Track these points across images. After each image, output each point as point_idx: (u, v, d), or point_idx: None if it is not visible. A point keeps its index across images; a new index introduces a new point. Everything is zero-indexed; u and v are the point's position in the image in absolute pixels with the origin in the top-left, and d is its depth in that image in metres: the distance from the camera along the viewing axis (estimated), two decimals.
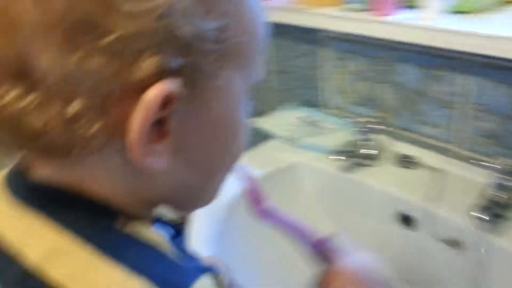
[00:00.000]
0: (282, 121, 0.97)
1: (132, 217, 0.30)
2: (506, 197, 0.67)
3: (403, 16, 0.75)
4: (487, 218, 0.65)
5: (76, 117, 0.25)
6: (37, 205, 0.29)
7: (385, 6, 0.75)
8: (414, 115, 0.84)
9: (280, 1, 0.93)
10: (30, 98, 0.24)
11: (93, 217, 0.29)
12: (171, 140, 0.28)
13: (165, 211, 0.40)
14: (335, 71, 0.93)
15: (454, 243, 0.70)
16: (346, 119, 0.90)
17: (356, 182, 0.81)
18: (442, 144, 0.81)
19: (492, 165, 0.68)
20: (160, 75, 0.25)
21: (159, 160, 0.28)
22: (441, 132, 0.81)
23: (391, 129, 0.86)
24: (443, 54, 0.74)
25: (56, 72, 0.24)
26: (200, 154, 0.32)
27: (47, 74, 0.24)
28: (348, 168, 0.82)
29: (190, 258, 0.32)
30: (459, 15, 0.74)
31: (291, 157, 0.88)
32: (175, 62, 0.25)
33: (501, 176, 0.67)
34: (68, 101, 0.24)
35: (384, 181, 0.78)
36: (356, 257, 0.47)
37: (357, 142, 0.84)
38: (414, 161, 0.81)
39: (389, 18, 0.75)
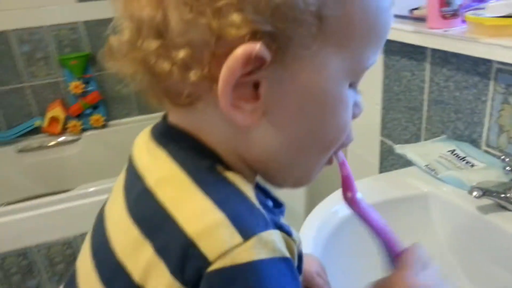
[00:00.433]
0: (430, 150, 0.91)
1: (233, 169, 0.35)
2: None
3: None
4: None
5: (184, 64, 0.31)
6: (162, 142, 0.37)
7: None
8: None
9: (455, 30, 0.89)
10: (160, 46, 0.31)
11: (200, 158, 0.35)
12: (263, 102, 0.33)
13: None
14: (505, 108, 0.84)
15: None
16: (502, 158, 0.80)
17: (494, 226, 0.72)
18: None
19: None
20: (252, 38, 0.29)
21: (247, 117, 0.33)
22: None
23: None
24: None
25: (177, 27, 0.31)
26: (289, 122, 0.34)
27: (173, 29, 0.31)
28: (488, 210, 0.73)
29: (273, 213, 0.34)
30: None
31: (426, 187, 0.83)
32: (265, 27, 0.29)
33: None
34: (177, 49, 0.31)
35: None
36: (424, 273, 0.44)
37: (508, 184, 0.74)
38: None
39: None
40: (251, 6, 0.29)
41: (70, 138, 2.06)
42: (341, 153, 0.45)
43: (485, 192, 0.74)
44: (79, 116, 2.06)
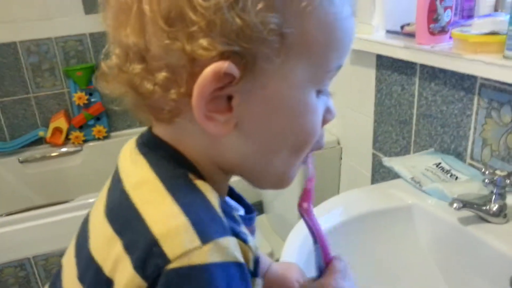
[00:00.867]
0: (417, 163, 0.93)
1: (209, 176, 0.39)
2: None
3: None
4: None
5: (164, 84, 0.35)
6: (143, 151, 0.41)
7: None
8: None
9: (442, 46, 0.91)
10: (143, 69, 0.35)
11: (175, 166, 0.38)
12: (235, 113, 0.36)
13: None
14: (488, 122, 0.85)
15: None
16: (483, 171, 0.81)
17: (474, 237, 0.73)
18: None
19: None
20: (221, 57, 0.33)
21: (220, 127, 0.36)
22: None
23: None
24: None
25: (157, 52, 0.35)
26: (260, 129, 0.38)
27: (154, 53, 0.35)
28: (469, 221, 0.74)
29: (235, 222, 0.37)
30: None
31: (411, 199, 0.84)
32: (232, 47, 0.33)
33: None
34: (158, 72, 0.35)
35: (506, 242, 0.69)
36: (344, 282, 0.49)
37: (488, 197, 0.75)
38: None
39: None
40: (218, 30, 0.32)
41: (72, 149, 2.10)
42: (311, 167, 0.48)
43: (465, 204, 0.75)
44: (81, 127, 2.10)
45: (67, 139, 2.09)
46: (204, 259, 0.32)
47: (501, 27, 0.80)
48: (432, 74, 0.95)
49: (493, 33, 0.81)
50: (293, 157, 0.41)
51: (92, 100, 2.08)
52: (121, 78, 0.37)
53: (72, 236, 0.44)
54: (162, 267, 0.32)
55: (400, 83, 1.06)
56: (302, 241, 0.77)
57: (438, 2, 0.89)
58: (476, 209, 0.74)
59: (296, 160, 0.41)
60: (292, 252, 0.75)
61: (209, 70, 0.33)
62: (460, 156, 0.91)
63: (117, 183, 0.40)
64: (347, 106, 1.30)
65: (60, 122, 2.05)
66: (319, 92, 0.39)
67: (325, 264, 0.51)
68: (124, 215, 0.36)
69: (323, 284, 0.49)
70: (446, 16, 0.91)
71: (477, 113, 0.86)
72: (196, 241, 0.32)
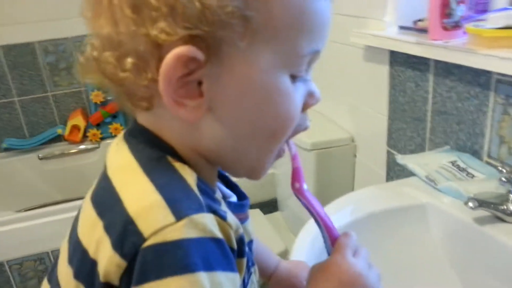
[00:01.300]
0: (432, 161, 0.91)
1: (188, 160, 0.39)
2: None
3: None
4: None
5: (134, 70, 0.35)
6: (127, 138, 0.42)
7: None
8: None
9: (456, 41, 0.89)
10: (115, 57, 0.36)
11: (153, 150, 0.39)
12: (206, 99, 0.36)
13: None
14: (505, 119, 0.84)
15: None
16: (500, 169, 0.80)
17: (491, 238, 0.71)
18: None
19: None
20: (184, 42, 0.33)
21: (191, 113, 0.36)
22: None
23: None
24: None
25: (125, 39, 0.35)
26: (232, 114, 0.38)
27: (123, 41, 0.35)
28: (485, 221, 0.73)
29: (213, 201, 0.37)
30: None
31: (425, 197, 0.83)
32: (194, 31, 0.33)
33: None
34: (127, 58, 0.35)
35: None
36: (356, 262, 0.46)
37: (505, 196, 0.74)
38: None
39: None
40: (179, 15, 0.33)
41: (90, 146, 2.13)
42: (293, 146, 0.47)
43: (482, 203, 0.74)
44: (99, 125, 2.13)
45: (84, 136, 2.12)
46: (178, 235, 0.32)
47: None
48: (447, 70, 0.93)
49: (508, 28, 0.79)
50: (269, 143, 0.40)
51: (109, 98, 2.10)
52: (98, 68, 0.38)
53: None
54: (139, 245, 0.32)
55: (413, 80, 1.04)
56: (313, 238, 0.76)
57: None
58: (492, 209, 0.73)
59: (273, 146, 0.41)
60: (303, 249, 0.74)
61: (170, 55, 0.33)
62: (476, 154, 0.90)
63: (103, 170, 0.41)
64: (361, 102, 1.29)
65: (78, 120, 2.08)
66: (294, 77, 0.39)
67: (331, 244, 0.49)
68: (105, 198, 0.38)
69: (329, 263, 0.46)
70: (460, 11, 0.89)
71: (493, 110, 0.84)
72: (170, 217, 0.32)
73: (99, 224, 0.36)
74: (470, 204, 0.74)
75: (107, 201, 0.37)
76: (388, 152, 1.20)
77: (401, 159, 0.96)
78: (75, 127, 2.10)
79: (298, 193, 0.49)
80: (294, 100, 0.39)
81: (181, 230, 0.32)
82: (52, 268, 0.44)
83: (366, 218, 0.82)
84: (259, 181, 0.44)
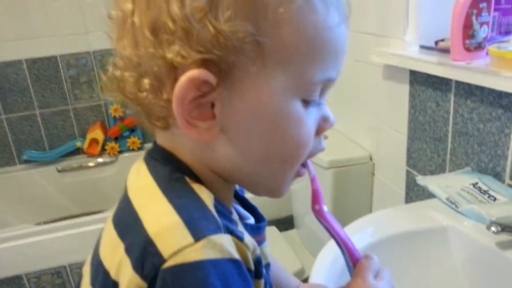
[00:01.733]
0: (452, 183, 0.90)
1: (204, 180, 0.39)
2: None
3: None
4: None
5: (151, 90, 0.36)
6: (147, 159, 0.42)
7: None
8: None
9: (478, 62, 0.89)
10: (135, 77, 0.37)
11: (172, 171, 0.39)
12: (218, 120, 0.37)
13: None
14: None
15: None
16: None
17: (511, 262, 0.70)
18: None
19: None
20: (198, 65, 0.34)
21: (203, 134, 0.37)
22: None
23: None
24: None
25: (144, 60, 0.36)
26: (243, 137, 0.38)
27: (143, 62, 0.36)
28: (508, 246, 0.72)
29: (230, 222, 0.37)
30: None
31: (446, 220, 0.82)
32: (208, 55, 0.34)
33: None
34: (145, 78, 0.36)
35: None
36: (378, 285, 0.46)
37: None
38: None
39: None
40: (194, 39, 0.34)
41: (108, 159, 2.15)
42: (312, 168, 0.47)
43: (504, 228, 0.72)
44: (117, 138, 2.15)
45: (103, 149, 2.15)
46: (197, 256, 0.32)
47: None
48: (468, 91, 0.93)
49: None
50: (283, 167, 0.40)
51: (127, 112, 2.13)
52: (118, 87, 0.39)
53: None
54: (158, 266, 0.32)
55: (434, 99, 1.04)
56: (334, 259, 0.76)
57: (474, 18, 0.87)
58: None
59: (289, 170, 0.41)
60: (323, 270, 0.74)
61: (184, 78, 0.34)
62: (498, 176, 0.88)
63: (124, 191, 0.41)
64: (380, 121, 1.28)
65: (97, 133, 2.11)
66: (307, 102, 0.38)
67: (353, 266, 0.48)
68: (126, 219, 0.38)
69: (350, 286, 0.46)
70: (483, 32, 0.89)
71: None
72: (189, 238, 0.33)
73: (120, 246, 0.36)
74: (493, 228, 0.73)
75: (127, 223, 0.37)
76: (408, 172, 1.19)
77: (421, 180, 0.95)
78: (94, 140, 2.13)
79: (319, 215, 0.49)
80: (306, 125, 0.39)
81: (200, 251, 0.32)
82: None
83: (386, 241, 0.81)
84: (283, 196, 0.44)
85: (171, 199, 0.36)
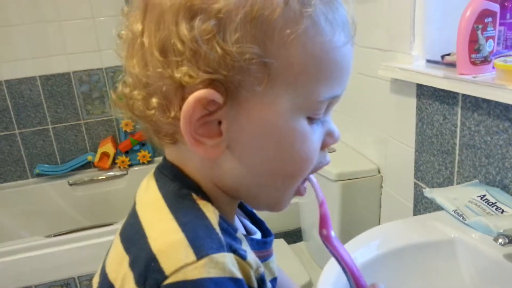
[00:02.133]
0: (460, 195, 0.90)
1: (210, 195, 0.40)
2: None
3: None
4: None
5: (159, 108, 0.38)
6: (156, 175, 0.43)
7: None
8: None
9: (484, 76, 0.90)
10: (144, 95, 0.38)
11: (179, 187, 0.40)
12: (225, 138, 0.38)
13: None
14: None
15: None
16: None
17: None
18: None
19: None
20: (205, 85, 0.35)
21: (210, 151, 0.38)
22: None
23: None
24: None
25: (153, 80, 0.37)
26: (249, 154, 0.39)
27: (151, 81, 0.38)
28: None
29: (234, 240, 0.38)
30: None
31: (454, 232, 0.82)
32: (215, 75, 0.35)
33: None
34: (154, 97, 0.38)
35: None
36: None
37: None
38: None
39: None
40: (202, 59, 0.35)
41: (118, 173, 2.18)
42: (320, 193, 0.48)
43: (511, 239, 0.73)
44: (127, 152, 2.18)
45: (113, 163, 2.18)
46: (198, 274, 0.33)
47: None
48: (475, 104, 0.93)
49: None
50: (287, 182, 0.41)
51: (138, 126, 2.16)
52: (127, 104, 0.40)
53: None
54: (160, 283, 0.33)
55: (441, 113, 1.04)
56: (340, 272, 0.76)
57: (479, 32, 0.88)
58: None
59: (292, 185, 0.42)
60: (328, 284, 0.74)
61: (191, 98, 0.35)
62: (506, 188, 0.88)
63: (133, 205, 0.43)
64: (387, 134, 1.29)
65: (108, 147, 2.14)
66: (312, 119, 0.39)
67: None
68: (132, 234, 0.39)
69: None
70: (489, 46, 0.90)
71: None
72: (191, 256, 0.33)
73: (125, 259, 0.37)
74: (500, 240, 0.73)
75: (133, 237, 0.38)
76: (415, 185, 1.19)
77: (428, 192, 0.95)
78: (105, 154, 2.15)
79: (326, 240, 0.49)
80: (311, 142, 0.39)
81: (202, 269, 0.33)
82: None
83: (394, 253, 0.81)
84: (283, 210, 0.45)
85: (177, 216, 0.37)
